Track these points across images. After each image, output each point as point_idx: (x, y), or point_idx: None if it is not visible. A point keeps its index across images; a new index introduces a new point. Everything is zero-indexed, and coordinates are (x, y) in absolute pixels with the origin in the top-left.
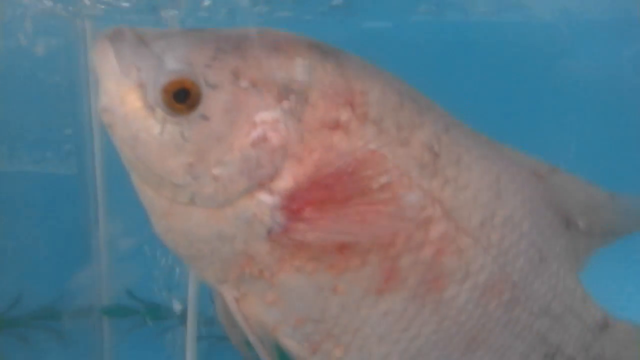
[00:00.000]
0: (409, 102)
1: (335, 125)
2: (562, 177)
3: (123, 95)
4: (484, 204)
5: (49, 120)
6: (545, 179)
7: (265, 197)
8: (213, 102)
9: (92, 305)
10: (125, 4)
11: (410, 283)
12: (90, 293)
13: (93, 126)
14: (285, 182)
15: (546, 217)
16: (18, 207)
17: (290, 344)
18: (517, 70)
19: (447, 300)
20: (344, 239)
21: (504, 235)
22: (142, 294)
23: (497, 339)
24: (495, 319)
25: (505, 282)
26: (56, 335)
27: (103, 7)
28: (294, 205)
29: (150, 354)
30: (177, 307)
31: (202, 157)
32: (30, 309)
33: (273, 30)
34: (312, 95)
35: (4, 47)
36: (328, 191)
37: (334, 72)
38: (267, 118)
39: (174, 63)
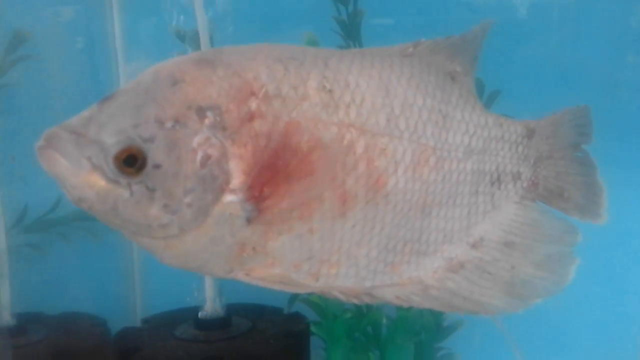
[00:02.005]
0: (290, 62)
1: (251, 116)
2: (425, 45)
3: (87, 182)
4: (381, 105)
5: None
6: (414, 54)
7: (231, 198)
8: (156, 152)
9: None
10: None
11: (360, 195)
12: None
13: None
14: (239, 179)
15: (431, 82)
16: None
17: (297, 286)
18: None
19: (392, 190)
20: (303, 195)
21: (407, 118)
22: None
23: (444, 194)
24: (433, 181)
25: (426, 150)
26: (92, 234)
27: None
28: (255, 192)
29: None
30: None
31: (171, 196)
32: (69, 211)
33: (161, 65)
34: (222, 104)
35: None
36: (272, 169)
37: (227, 75)
38: (200, 140)
39: (111, 138)
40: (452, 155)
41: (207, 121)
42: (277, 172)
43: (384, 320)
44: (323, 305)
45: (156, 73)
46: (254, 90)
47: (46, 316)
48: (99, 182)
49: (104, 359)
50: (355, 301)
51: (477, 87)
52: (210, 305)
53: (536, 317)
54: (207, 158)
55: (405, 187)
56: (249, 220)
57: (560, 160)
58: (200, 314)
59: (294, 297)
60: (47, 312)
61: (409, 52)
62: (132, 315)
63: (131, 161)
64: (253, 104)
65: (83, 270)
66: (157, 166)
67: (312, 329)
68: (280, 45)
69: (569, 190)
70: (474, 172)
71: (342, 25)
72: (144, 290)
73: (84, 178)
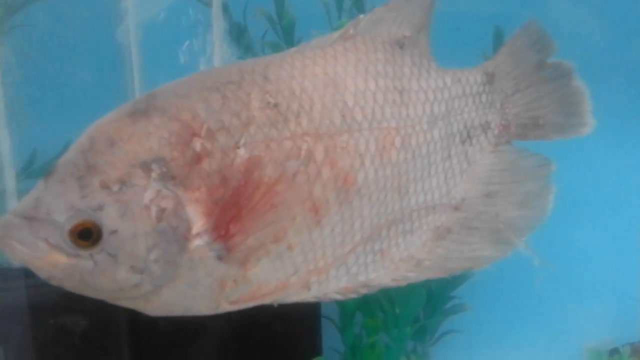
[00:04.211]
0: (227, 87)
1: (198, 158)
2: (365, 20)
3: (49, 263)
4: (332, 102)
5: None
6: (351, 36)
7: (197, 243)
8: (109, 219)
9: None
10: None
11: (332, 199)
12: None
13: None
14: (200, 223)
15: (380, 60)
16: None
17: (290, 298)
18: None
19: (363, 184)
20: (272, 224)
21: (362, 107)
22: None
23: (417, 169)
24: (404, 161)
25: (389, 133)
26: None
27: None
28: (221, 231)
29: None
30: None
31: (135, 256)
32: None
33: (95, 126)
34: (165, 153)
35: None
36: (234, 205)
37: (164, 122)
38: (151, 196)
39: (61, 216)
40: (417, 129)
41: (153, 174)
42: (241, 208)
43: None
44: None
45: (92, 137)
46: (195, 131)
47: None
48: (61, 259)
49: None
50: (353, 296)
51: (496, 39)
52: None
53: None
54: (162, 211)
55: (376, 176)
56: (220, 258)
57: (528, 89)
58: None
59: None
60: None
61: (350, 34)
62: None
63: (86, 234)
64: (197, 145)
65: None
66: (113, 232)
67: None
68: (214, 70)
69: (544, 115)
70: (443, 138)
71: None
72: None
73: (45, 260)
